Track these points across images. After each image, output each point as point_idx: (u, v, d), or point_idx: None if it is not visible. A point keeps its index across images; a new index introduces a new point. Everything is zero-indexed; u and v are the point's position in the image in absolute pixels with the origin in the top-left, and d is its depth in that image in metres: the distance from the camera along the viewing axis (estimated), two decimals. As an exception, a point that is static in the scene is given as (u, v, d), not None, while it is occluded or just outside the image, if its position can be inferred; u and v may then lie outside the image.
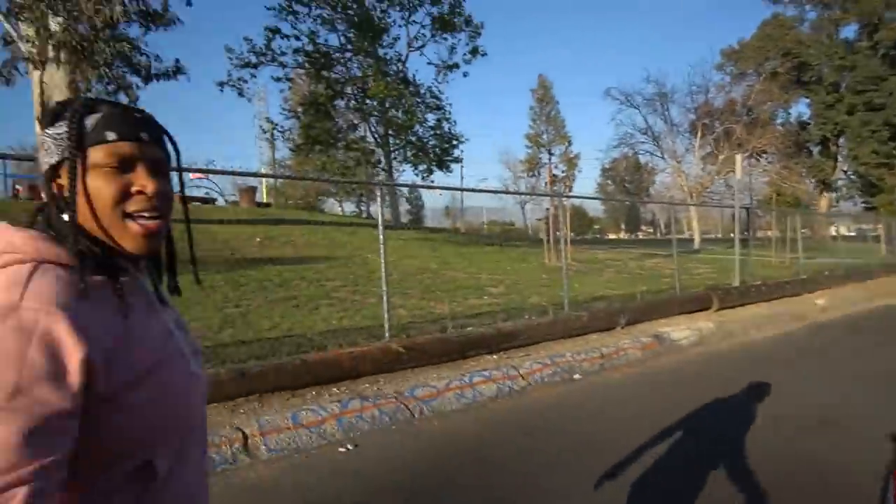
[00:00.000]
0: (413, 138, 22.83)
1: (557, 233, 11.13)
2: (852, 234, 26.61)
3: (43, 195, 0.85)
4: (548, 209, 13.69)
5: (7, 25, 10.08)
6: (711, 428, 4.12)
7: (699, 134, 28.99)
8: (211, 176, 20.06)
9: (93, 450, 0.76)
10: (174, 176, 0.94)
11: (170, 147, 0.92)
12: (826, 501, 3.05)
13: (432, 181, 22.78)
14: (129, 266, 0.88)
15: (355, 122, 23.98)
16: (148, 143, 0.85)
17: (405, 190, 30.38)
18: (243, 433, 3.81)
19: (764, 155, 29.65)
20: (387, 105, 21.89)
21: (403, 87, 21.63)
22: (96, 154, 0.81)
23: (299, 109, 22.73)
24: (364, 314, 7.00)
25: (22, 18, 9.41)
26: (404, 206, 28.59)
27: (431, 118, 23.19)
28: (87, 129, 0.81)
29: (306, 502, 3.08)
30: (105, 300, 0.80)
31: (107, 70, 10.05)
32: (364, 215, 31.86)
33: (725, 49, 35.18)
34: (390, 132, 22.84)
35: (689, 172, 28.52)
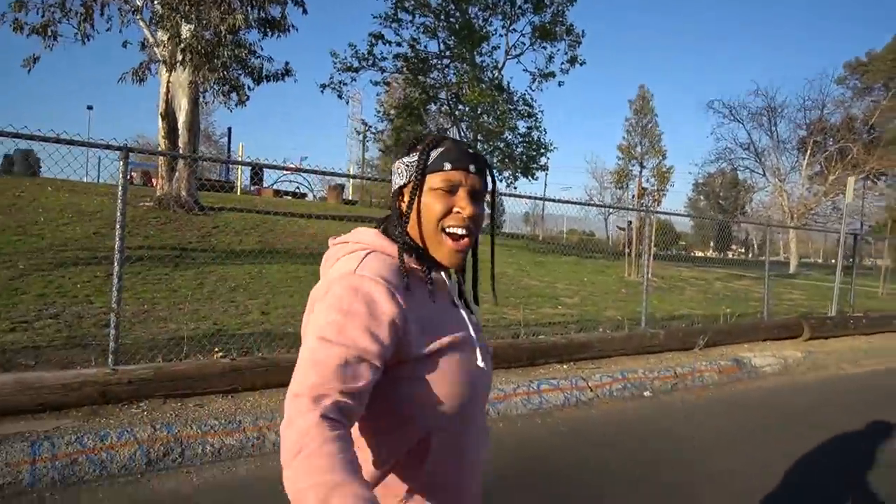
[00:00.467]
0: (501, 145, 22.89)
1: (640, 247, 10.87)
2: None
3: (390, 208, 1.11)
4: (630, 221, 13.39)
5: (147, 32, 11.19)
6: (788, 456, 3.97)
7: (808, 152, 27.12)
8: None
9: (385, 410, 0.97)
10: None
11: (489, 178, 1.11)
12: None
13: (515, 188, 22.78)
14: (441, 269, 1.08)
15: (446, 126, 24.33)
16: (473, 174, 1.04)
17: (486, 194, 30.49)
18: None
19: (883, 177, 27.28)
20: (479, 111, 22.08)
21: (497, 94, 21.68)
22: (434, 179, 1.02)
23: (392, 112, 23.37)
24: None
25: (161, 26, 10.41)
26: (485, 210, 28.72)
27: (522, 126, 23.12)
28: (431, 159, 1.03)
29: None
30: (418, 286, 1.01)
31: (224, 72, 10.85)
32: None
33: (850, 62, 32.64)
34: (479, 137, 23.03)
35: (793, 192, 26.73)
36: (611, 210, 30.76)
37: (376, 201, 33.00)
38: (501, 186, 22.97)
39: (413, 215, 1.03)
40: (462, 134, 23.41)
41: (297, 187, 24.99)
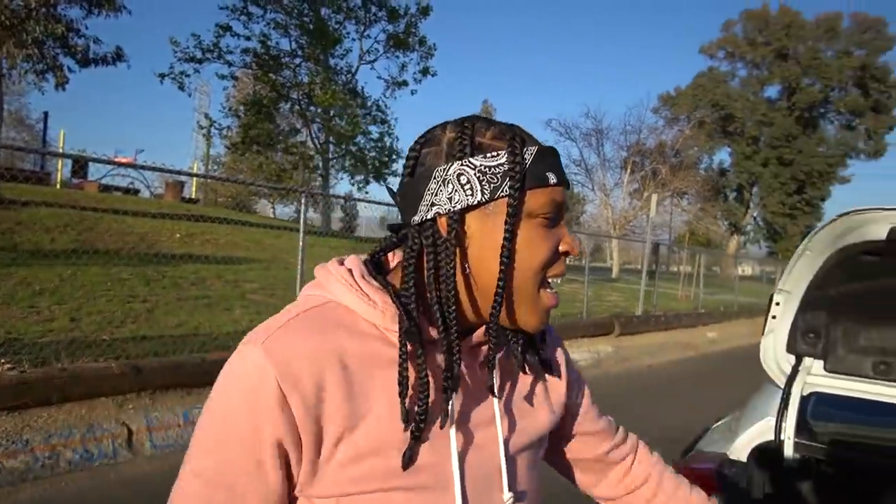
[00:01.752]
0: (354, 148, 22.85)
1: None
2: (757, 274, 28.70)
3: (415, 243, 0.64)
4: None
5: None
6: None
7: (629, 170, 30.52)
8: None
9: None
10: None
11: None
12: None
13: (367, 192, 22.86)
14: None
15: (297, 126, 23.74)
16: (567, 190, 0.68)
17: (341, 199, 30.30)
18: (129, 428, 3.81)
19: (685, 196, 31.60)
20: (331, 113, 21.84)
21: (350, 98, 21.65)
22: (535, 200, 0.63)
23: (241, 108, 22.31)
24: (277, 318, 7.02)
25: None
26: (338, 214, 28.40)
27: (375, 131, 23.32)
28: (528, 164, 0.63)
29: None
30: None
31: (38, 50, 9.63)
32: (290, 218, 31.51)
33: (662, 94, 37.31)
34: (331, 140, 22.76)
35: (616, 206, 30.00)
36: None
37: (222, 200, 31.13)
38: (353, 189, 22.97)
39: (485, 258, 0.63)
40: (314, 136, 23.01)
41: (131, 182, 22.83)
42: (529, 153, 0.63)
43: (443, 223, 0.62)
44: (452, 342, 0.62)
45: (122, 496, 3.11)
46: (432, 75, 23.47)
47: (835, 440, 1.64)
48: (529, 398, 0.74)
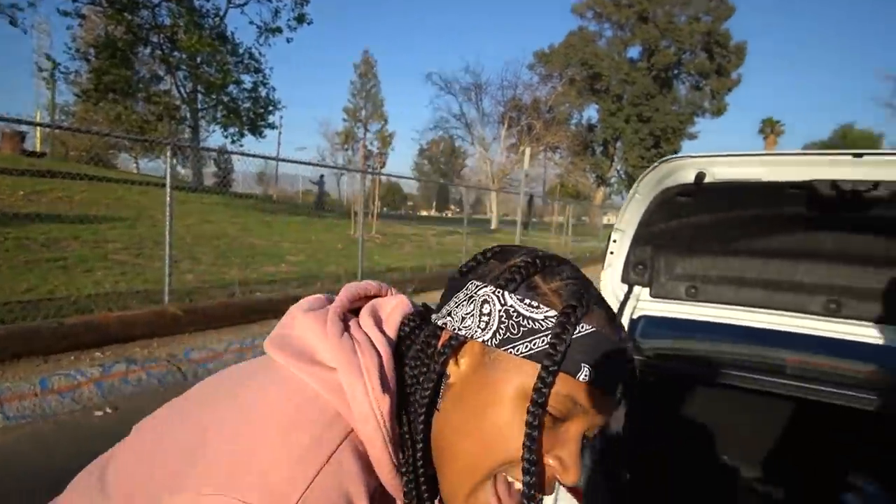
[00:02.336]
0: (225, 98, 21.38)
1: (371, 207, 11.49)
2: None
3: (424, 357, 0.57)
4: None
5: None
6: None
7: (506, 125, 31.57)
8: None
9: None
10: None
11: None
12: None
13: (242, 145, 21.66)
14: None
15: (160, 73, 21.71)
16: (612, 404, 0.55)
17: (213, 151, 28.41)
18: (-22, 399, 3.51)
19: (558, 150, 33.38)
20: (199, 60, 20.16)
21: (219, 44, 20.07)
22: (556, 387, 0.51)
23: (91, 51, 19.88)
24: (146, 278, 6.63)
25: None
26: (212, 169, 26.75)
27: (248, 80, 21.92)
28: (570, 343, 0.51)
29: (48, 465, 2.99)
30: None
31: None
32: (157, 174, 29.06)
33: (537, 51, 38.48)
34: (200, 89, 21.12)
35: (495, 160, 31.07)
36: (343, 171, 31.47)
37: (74, 154, 27.92)
38: (227, 142, 21.65)
39: (462, 407, 0.54)
40: (180, 84, 21.22)
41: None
42: (581, 330, 0.51)
43: (443, 338, 0.56)
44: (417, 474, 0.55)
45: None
46: (308, 23, 22.36)
47: (657, 353, 1.96)
48: None
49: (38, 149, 22.82)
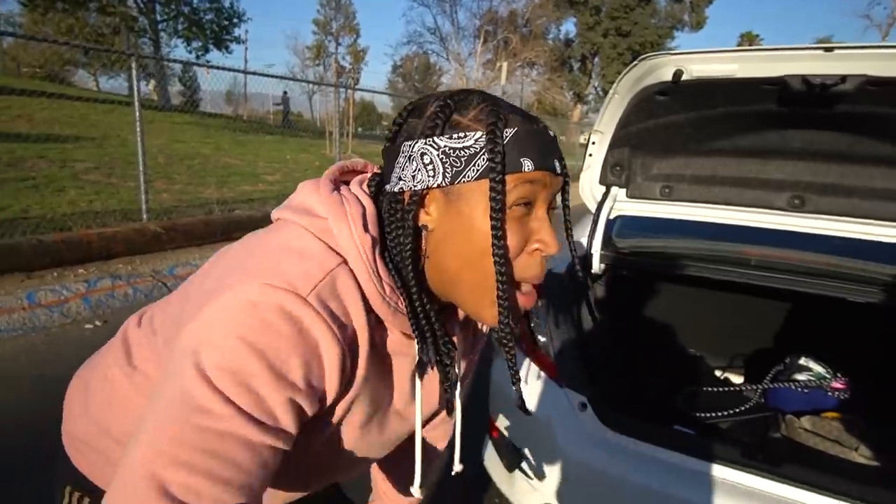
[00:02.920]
0: (186, 9, 20.17)
1: (347, 127, 11.22)
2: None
3: (393, 218, 0.63)
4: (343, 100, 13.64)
5: None
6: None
7: (482, 40, 30.52)
8: None
9: None
10: None
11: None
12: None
13: (208, 61, 20.68)
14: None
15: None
16: (556, 177, 0.62)
17: (178, 69, 27.06)
18: (-35, 315, 3.55)
19: (535, 66, 32.56)
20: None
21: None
22: (511, 186, 0.59)
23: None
24: (121, 198, 6.53)
25: None
26: (177, 87, 25.55)
27: (209, -11, 20.63)
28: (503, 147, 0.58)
29: (43, 374, 3.08)
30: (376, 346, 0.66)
31: None
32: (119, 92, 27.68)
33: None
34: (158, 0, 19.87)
35: (471, 76, 30.23)
36: (315, 89, 30.37)
37: (28, 71, 26.34)
38: (191, 57, 20.64)
39: (448, 241, 0.61)
40: (134, -8, 19.84)
41: None
42: (508, 134, 0.58)
43: (406, 198, 0.62)
44: (425, 322, 0.65)
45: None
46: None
47: (633, 251, 2.07)
48: (471, 348, 0.86)
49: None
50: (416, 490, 0.76)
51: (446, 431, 1.01)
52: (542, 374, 1.69)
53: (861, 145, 1.59)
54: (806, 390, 1.83)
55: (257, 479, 0.53)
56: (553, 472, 1.58)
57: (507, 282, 0.59)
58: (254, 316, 0.53)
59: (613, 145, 1.92)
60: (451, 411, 0.79)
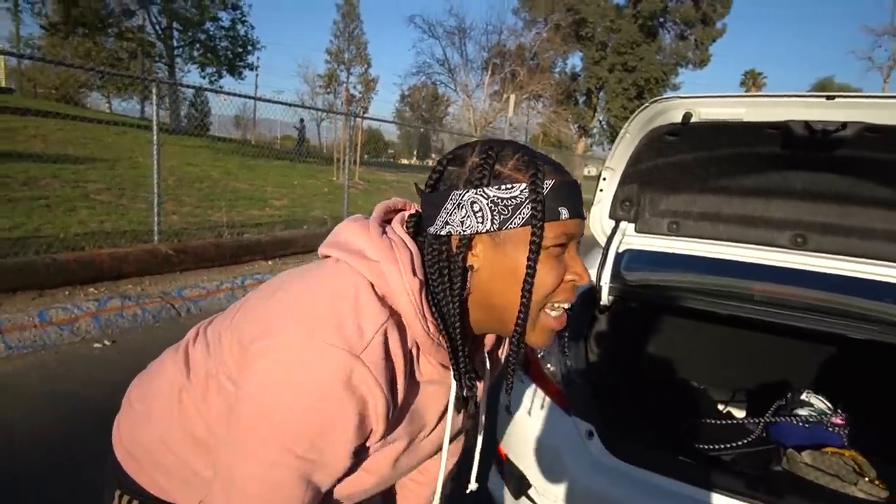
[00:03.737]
0: (202, 36, 20.65)
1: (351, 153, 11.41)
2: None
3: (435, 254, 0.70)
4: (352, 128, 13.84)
5: None
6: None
7: (490, 72, 31.05)
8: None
9: None
10: None
11: None
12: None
13: (221, 86, 21.09)
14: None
15: (132, 7, 20.78)
16: (583, 221, 0.72)
17: (189, 94, 27.55)
18: (-22, 331, 3.60)
19: (541, 99, 33.03)
20: (173, -6, 19.35)
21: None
22: (547, 232, 0.67)
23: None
24: (130, 219, 6.63)
25: None
26: (187, 111, 25.97)
27: (226, 18, 21.15)
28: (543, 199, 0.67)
29: (53, 391, 3.11)
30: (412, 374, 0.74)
31: None
32: (133, 115, 28.14)
33: (524, -6, 37.42)
34: (176, 26, 20.32)
35: (477, 107, 30.70)
36: (323, 116, 30.85)
37: (43, 92, 26.84)
38: (204, 83, 21.07)
39: (496, 281, 0.69)
40: (154, 19, 20.37)
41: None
42: (547, 186, 0.67)
43: (454, 243, 0.69)
44: (460, 355, 0.73)
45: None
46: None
47: (640, 284, 2.13)
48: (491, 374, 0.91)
49: (2, 84, 21.90)
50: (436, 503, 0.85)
51: (458, 449, 1.07)
52: (551, 402, 1.73)
53: (861, 188, 1.66)
54: (807, 425, 1.86)
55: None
56: (559, 499, 1.61)
57: (534, 308, 0.69)
58: (311, 376, 0.61)
59: (624, 181, 1.99)
60: (467, 432, 0.89)
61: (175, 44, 20.85)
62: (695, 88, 48.29)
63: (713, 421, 2.02)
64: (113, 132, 13.69)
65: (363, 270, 0.68)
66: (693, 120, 1.67)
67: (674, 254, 2.09)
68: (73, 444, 2.56)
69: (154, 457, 0.82)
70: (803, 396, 1.98)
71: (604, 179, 2.04)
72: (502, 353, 0.91)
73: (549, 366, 1.78)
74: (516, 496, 1.74)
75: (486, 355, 0.85)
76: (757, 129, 1.60)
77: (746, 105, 1.58)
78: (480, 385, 0.83)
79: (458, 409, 0.77)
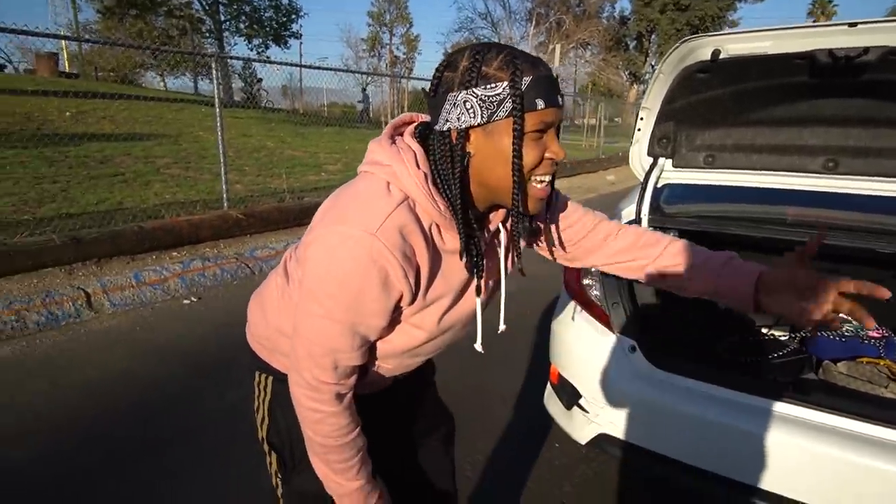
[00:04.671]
0: (247, 8, 21.02)
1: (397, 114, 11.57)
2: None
3: (438, 150, 0.86)
4: (397, 90, 13.92)
5: None
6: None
7: (534, 23, 30.26)
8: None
9: None
10: None
11: None
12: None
13: (268, 56, 21.51)
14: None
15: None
16: (559, 109, 0.86)
17: (238, 66, 28.15)
18: (85, 292, 4.07)
19: (588, 47, 32.01)
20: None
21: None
22: (527, 121, 0.82)
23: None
24: (199, 189, 7.10)
25: None
26: (237, 84, 26.62)
27: (268, -12, 21.41)
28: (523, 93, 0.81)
29: (155, 341, 3.54)
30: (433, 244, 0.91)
31: None
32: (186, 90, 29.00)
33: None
34: (221, 0, 20.76)
35: (523, 60, 29.95)
36: (368, 80, 30.92)
37: (103, 75, 28.04)
38: (252, 54, 21.53)
39: (489, 162, 0.85)
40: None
41: (-15, 58, 20.00)
42: (525, 83, 0.80)
43: (454, 136, 0.84)
44: (465, 226, 0.89)
45: (95, 346, 3.46)
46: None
47: (675, 215, 2.26)
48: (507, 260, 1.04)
49: (67, 69, 22.99)
50: (478, 346, 1.01)
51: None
52: (597, 323, 1.93)
53: (887, 110, 1.74)
54: (843, 339, 1.99)
55: (359, 349, 0.90)
56: (606, 406, 1.82)
57: (522, 181, 0.85)
58: (342, 254, 0.81)
59: (660, 120, 2.12)
60: (487, 289, 1.03)
61: (222, 18, 21.30)
62: (756, 23, 45.30)
63: (750, 338, 2.17)
64: (172, 109, 14.33)
65: (380, 174, 0.88)
66: (721, 56, 1.78)
67: (711, 185, 2.21)
68: (178, 384, 2.96)
69: (275, 343, 1.09)
70: (842, 314, 2.10)
71: (641, 119, 2.17)
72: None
73: (594, 292, 1.98)
74: (568, 407, 1.97)
75: (502, 227, 0.99)
76: (783, 60, 1.70)
77: (772, 38, 1.68)
78: (500, 251, 1.01)
79: (468, 270, 0.93)
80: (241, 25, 21.41)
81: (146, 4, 19.78)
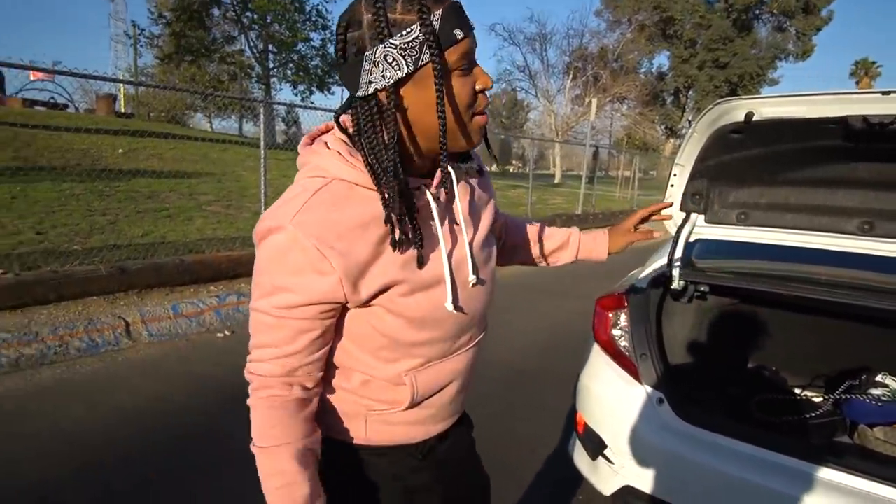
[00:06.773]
0: (295, 56, 22.06)
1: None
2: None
3: (365, 116, 0.79)
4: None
5: None
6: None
7: (571, 76, 30.85)
8: (57, 79, 18.18)
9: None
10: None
11: None
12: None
13: (312, 102, 22.39)
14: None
15: (232, 34, 22.55)
16: (474, 35, 0.79)
17: (282, 110, 29.34)
18: (125, 321, 4.22)
19: (625, 101, 32.38)
20: (268, 19, 20.80)
21: (288, 2, 20.63)
22: (450, 57, 0.75)
23: (168, 15, 20.85)
24: (238, 227, 7.34)
25: None
26: (280, 126, 27.64)
27: (316, 38, 22.49)
28: (437, 30, 0.74)
29: (189, 371, 3.63)
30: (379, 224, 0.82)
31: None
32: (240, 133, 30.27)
33: (606, -4, 36.91)
34: (271, 48, 21.85)
35: (559, 112, 30.56)
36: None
37: (154, 115, 29.56)
38: (296, 99, 22.45)
39: (426, 116, 0.78)
40: (252, 43, 21.95)
41: (52, 97, 21.32)
42: (436, 18, 0.73)
43: (382, 96, 0.76)
44: (399, 185, 0.77)
45: (131, 374, 3.57)
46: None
47: (707, 269, 2.27)
48: (477, 208, 0.96)
49: (122, 109, 24.29)
50: (449, 305, 0.86)
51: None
52: (626, 374, 1.93)
53: (922, 175, 1.74)
54: (880, 403, 1.94)
55: (307, 335, 0.82)
56: (632, 458, 1.80)
57: (465, 120, 0.81)
58: (270, 249, 0.78)
59: (693, 177, 2.16)
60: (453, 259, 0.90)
61: (270, 65, 22.36)
62: (796, 82, 45.42)
63: (783, 397, 2.12)
64: (217, 149, 14.95)
65: (304, 174, 0.84)
66: (755, 118, 1.82)
67: (743, 242, 2.22)
68: (209, 415, 3.02)
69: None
70: (878, 378, 2.05)
71: (674, 175, 2.21)
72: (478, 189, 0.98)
73: (622, 342, 1.98)
74: (593, 457, 1.95)
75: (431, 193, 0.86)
76: (817, 124, 1.73)
77: (806, 104, 1.72)
78: (438, 206, 0.86)
79: (399, 245, 0.80)
80: (289, 72, 22.42)
81: (201, 52, 20.92)
